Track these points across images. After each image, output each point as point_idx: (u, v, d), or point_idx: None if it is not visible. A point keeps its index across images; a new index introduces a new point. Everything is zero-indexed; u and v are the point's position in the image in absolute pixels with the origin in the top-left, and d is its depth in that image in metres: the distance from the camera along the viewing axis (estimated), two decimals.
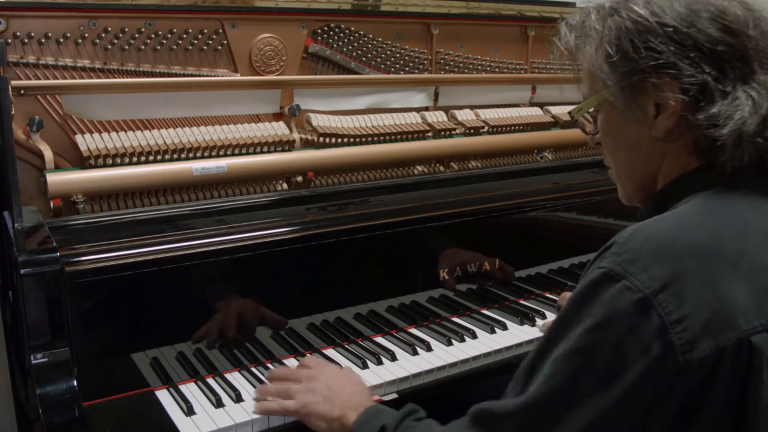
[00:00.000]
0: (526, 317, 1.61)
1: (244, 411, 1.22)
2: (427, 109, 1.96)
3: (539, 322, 1.61)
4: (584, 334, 0.84)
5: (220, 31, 1.65)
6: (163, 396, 1.27)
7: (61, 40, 1.48)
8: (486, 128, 1.96)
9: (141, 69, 1.58)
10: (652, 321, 0.80)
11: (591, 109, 1.02)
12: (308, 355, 1.41)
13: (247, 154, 1.60)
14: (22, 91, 1.41)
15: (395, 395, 1.34)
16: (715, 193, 0.90)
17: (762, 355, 0.81)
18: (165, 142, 1.52)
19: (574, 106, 1.05)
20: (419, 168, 1.87)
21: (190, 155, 1.54)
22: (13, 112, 1.33)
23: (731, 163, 0.88)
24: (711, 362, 0.80)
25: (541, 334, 1.54)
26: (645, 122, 0.93)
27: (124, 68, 1.56)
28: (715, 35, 0.87)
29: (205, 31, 1.63)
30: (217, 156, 1.57)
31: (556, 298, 1.73)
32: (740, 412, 0.83)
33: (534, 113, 2.10)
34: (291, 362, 1.39)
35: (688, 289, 0.81)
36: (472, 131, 1.93)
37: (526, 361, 0.92)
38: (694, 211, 0.89)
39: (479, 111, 2.00)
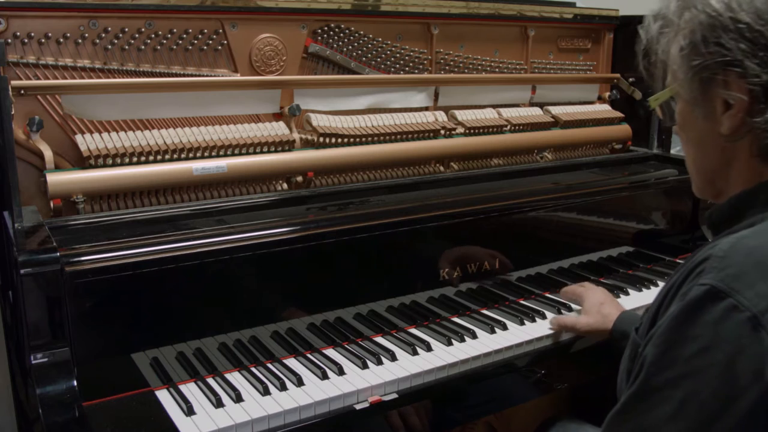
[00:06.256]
0: (526, 317, 1.61)
1: (244, 411, 1.22)
2: (427, 109, 1.96)
3: (544, 318, 1.62)
4: (691, 358, 0.78)
5: (220, 31, 1.65)
6: (163, 396, 1.27)
7: (61, 40, 1.48)
8: (468, 130, 1.96)
9: (141, 69, 1.58)
10: (763, 342, 0.75)
11: (669, 99, 0.99)
12: (308, 355, 1.42)
13: (247, 154, 1.60)
14: (22, 91, 1.41)
15: (395, 395, 1.34)
16: None
17: None
18: (165, 142, 1.52)
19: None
20: (419, 168, 1.87)
21: (190, 155, 1.54)
22: (13, 112, 1.33)
23: None
24: None
25: (541, 333, 1.54)
26: (713, 118, 0.90)
27: (124, 68, 1.56)
28: None
29: (205, 31, 1.63)
30: (217, 156, 1.57)
31: (556, 298, 1.73)
32: None
33: (534, 113, 2.10)
34: (291, 362, 1.39)
35: None
36: (472, 131, 1.93)
37: (630, 387, 0.85)
38: None
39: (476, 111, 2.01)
